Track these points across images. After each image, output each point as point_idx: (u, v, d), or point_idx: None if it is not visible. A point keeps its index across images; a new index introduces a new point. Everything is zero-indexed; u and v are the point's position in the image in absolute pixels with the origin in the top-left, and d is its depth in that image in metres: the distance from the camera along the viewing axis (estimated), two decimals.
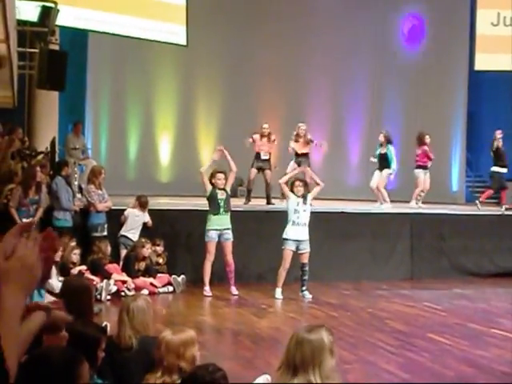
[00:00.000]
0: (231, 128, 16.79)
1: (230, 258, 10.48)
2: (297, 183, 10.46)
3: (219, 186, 10.50)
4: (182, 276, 10.89)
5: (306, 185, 10.54)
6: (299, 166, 13.14)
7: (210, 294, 10.40)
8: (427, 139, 14.49)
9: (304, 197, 10.36)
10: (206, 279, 10.46)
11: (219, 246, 10.49)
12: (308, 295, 10.44)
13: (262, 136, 13.49)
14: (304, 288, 10.48)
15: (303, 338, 3.37)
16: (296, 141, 13.57)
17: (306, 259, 10.43)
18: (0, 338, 1.46)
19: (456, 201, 17.44)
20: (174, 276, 10.83)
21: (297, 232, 10.35)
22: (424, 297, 10.98)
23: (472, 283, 12.43)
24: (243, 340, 7.96)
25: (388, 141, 14.10)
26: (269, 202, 13.46)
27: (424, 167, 14.45)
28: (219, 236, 10.42)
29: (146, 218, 11.23)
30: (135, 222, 11.16)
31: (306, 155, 13.65)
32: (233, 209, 10.91)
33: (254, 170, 13.44)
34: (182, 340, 3.87)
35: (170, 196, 14.66)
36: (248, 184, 13.58)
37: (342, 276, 12.12)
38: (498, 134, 14.73)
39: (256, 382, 3.73)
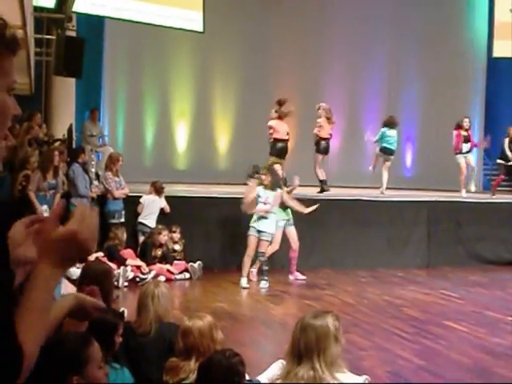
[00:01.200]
0: (248, 115, 16.77)
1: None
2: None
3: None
4: (199, 262, 10.91)
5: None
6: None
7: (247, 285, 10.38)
8: (464, 122, 14.37)
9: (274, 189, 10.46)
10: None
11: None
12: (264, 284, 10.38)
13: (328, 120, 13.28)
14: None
15: (307, 323, 3.35)
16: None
17: (263, 248, 10.38)
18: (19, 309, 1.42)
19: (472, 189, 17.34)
20: (191, 263, 10.87)
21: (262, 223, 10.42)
22: (440, 284, 10.96)
23: (488, 271, 12.38)
24: (259, 326, 7.99)
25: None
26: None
27: (460, 152, 14.35)
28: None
29: (163, 203, 11.25)
30: (152, 207, 11.18)
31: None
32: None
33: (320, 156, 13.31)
34: (211, 324, 3.92)
35: (187, 183, 14.68)
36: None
37: (358, 263, 12.12)
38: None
39: (271, 367, 3.75)
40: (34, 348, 1.42)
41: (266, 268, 10.35)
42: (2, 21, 1.38)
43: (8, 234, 1.66)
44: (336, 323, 3.41)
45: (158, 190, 11.25)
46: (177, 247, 11.08)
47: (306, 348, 3.31)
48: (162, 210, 11.26)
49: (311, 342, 3.31)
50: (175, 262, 10.86)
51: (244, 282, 10.25)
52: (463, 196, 13.99)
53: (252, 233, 10.37)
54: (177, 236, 11.09)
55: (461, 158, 14.32)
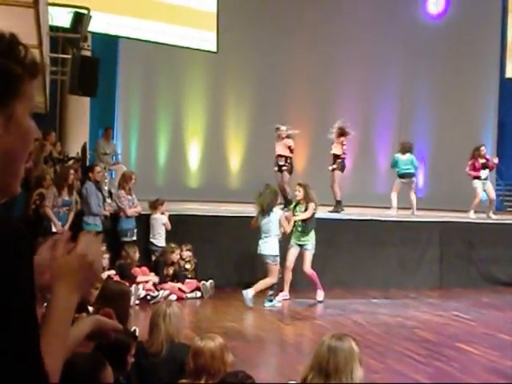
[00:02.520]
0: (260, 134, 16.81)
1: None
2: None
3: None
4: (211, 281, 10.91)
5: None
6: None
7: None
8: (481, 151, 14.39)
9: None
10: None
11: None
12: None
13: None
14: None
15: (336, 345, 3.42)
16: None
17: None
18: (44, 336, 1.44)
19: (486, 210, 17.27)
20: (202, 282, 10.87)
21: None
22: (453, 306, 10.90)
23: (501, 292, 12.31)
24: (271, 347, 7.97)
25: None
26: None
27: (478, 177, 14.35)
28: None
29: (164, 219, 11.25)
30: (156, 226, 11.24)
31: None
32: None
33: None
34: (222, 346, 3.92)
35: (199, 201, 14.71)
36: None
37: (370, 284, 12.07)
38: None
39: None
40: (56, 373, 1.43)
41: (272, 291, 10.36)
42: (23, 46, 1.41)
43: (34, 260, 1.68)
44: (357, 347, 3.50)
45: (153, 207, 11.28)
46: (187, 266, 11.08)
47: (335, 369, 3.37)
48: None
49: (341, 363, 3.39)
50: (187, 280, 10.87)
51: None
52: (471, 217, 13.96)
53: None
54: (187, 254, 11.09)
55: (478, 184, 14.30)
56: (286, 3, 17.63)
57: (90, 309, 5.20)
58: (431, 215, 13.97)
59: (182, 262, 11.01)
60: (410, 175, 14.14)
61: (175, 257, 10.72)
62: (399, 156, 14.16)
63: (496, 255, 12.98)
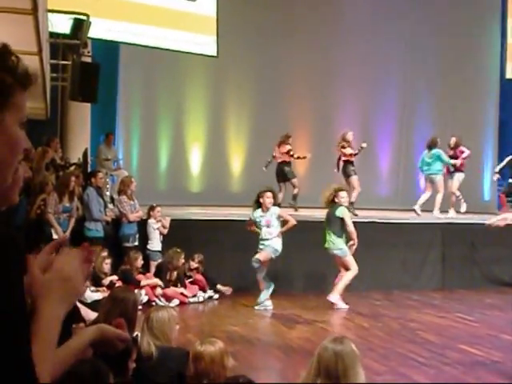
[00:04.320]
0: (261, 138, 16.82)
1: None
2: (268, 194, 10.56)
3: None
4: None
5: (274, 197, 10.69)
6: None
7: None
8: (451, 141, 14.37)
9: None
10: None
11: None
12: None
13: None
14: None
15: (342, 350, 3.44)
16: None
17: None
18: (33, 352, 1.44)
19: (488, 210, 17.26)
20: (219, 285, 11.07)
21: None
22: (456, 307, 10.89)
23: (504, 293, 12.27)
24: (273, 350, 7.96)
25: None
26: None
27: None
28: None
29: (156, 224, 11.28)
30: (148, 231, 11.28)
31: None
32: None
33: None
34: (222, 350, 3.94)
35: (201, 206, 14.72)
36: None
37: (373, 286, 12.07)
38: None
39: None
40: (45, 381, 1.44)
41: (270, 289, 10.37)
42: (15, 57, 1.41)
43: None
44: (357, 350, 3.56)
45: (149, 213, 11.32)
46: (192, 274, 11.12)
47: (344, 373, 3.40)
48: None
49: (349, 366, 3.41)
50: (188, 282, 10.91)
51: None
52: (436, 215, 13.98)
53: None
54: (196, 266, 11.13)
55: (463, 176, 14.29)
56: (286, 7, 17.64)
57: (94, 313, 5.20)
58: (433, 216, 13.95)
59: (187, 271, 11.08)
60: (430, 173, 14.11)
61: (180, 261, 10.73)
62: (426, 154, 14.17)
63: (498, 256, 12.97)
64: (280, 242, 10.41)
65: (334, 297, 10.38)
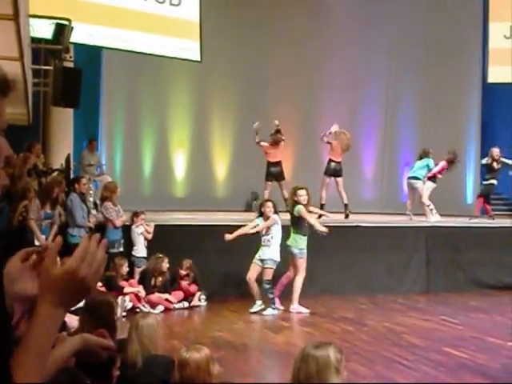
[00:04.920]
0: (245, 142, 16.80)
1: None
2: (268, 204, 10.65)
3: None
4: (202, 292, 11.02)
5: (274, 206, 10.72)
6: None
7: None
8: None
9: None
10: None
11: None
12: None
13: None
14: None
15: (308, 353, 3.34)
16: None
17: (266, 275, 10.43)
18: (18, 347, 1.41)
19: (471, 213, 17.31)
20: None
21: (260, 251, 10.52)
22: (440, 310, 10.91)
23: (488, 296, 12.33)
24: (259, 356, 7.95)
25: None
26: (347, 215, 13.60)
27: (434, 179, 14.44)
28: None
29: (140, 229, 11.23)
30: (133, 237, 11.24)
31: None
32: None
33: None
34: (208, 357, 3.91)
35: (185, 211, 14.69)
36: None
37: (357, 290, 12.09)
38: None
39: None
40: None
41: (271, 296, 10.36)
42: None
43: (4, 270, 1.65)
44: (338, 355, 3.39)
45: (132, 219, 11.28)
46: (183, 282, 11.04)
47: (306, 378, 3.29)
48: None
49: (312, 372, 3.29)
50: (174, 291, 10.84)
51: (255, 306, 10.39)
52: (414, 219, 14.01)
53: (255, 261, 10.48)
54: (183, 272, 11.05)
55: (432, 185, 14.32)
56: (269, 11, 17.66)
57: (75, 324, 5.15)
58: (417, 220, 13.99)
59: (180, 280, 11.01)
60: (411, 178, 14.25)
61: (164, 266, 10.67)
62: (417, 162, 14.37)
63: (482, 259, 13.03)
64: (278, 250, 10.51)
65: (296, 306, 10.51)
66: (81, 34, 13.02)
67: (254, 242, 10.71)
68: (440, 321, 10.03)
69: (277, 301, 10.58)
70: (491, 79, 17.55)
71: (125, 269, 10.49)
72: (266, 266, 10.42)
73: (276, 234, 10.58)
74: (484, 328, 9.51)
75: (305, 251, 10.56)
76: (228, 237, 10.56)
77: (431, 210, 13.90)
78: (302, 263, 10.58)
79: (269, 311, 10.32)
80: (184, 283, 10.95)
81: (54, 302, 1.48)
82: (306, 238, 10.58)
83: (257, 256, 10.52)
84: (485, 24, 17.95)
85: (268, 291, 10.38)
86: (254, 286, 10.42)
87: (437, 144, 17.42)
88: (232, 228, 11.44)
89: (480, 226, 13.83)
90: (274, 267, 10.49)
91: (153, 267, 10.69)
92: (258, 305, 10.39)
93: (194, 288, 10.97)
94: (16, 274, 1.71)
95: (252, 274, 10.46)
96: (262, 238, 10.56)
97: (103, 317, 4.25)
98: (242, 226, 11.06)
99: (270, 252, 10.49)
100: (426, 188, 14.07)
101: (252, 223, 10.73)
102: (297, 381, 3.33)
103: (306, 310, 10.48)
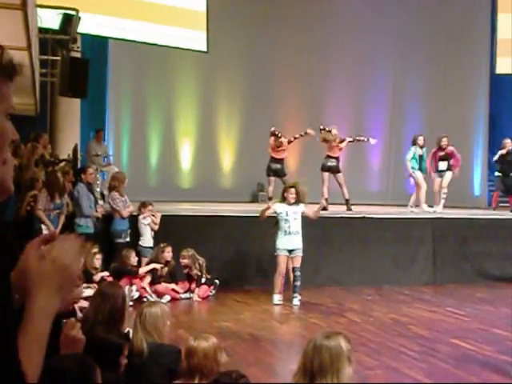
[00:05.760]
0: (251, 133, 16.82)
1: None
2: (291, 190, 10.40)
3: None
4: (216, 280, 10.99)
5: (297, 193, 10.42)
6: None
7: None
8: (442, 142, 14.28)
9: (295, 204, 10.33)
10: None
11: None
12: (296, 301, 10.30)
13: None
14: (294, 294, 10.32)
15: (322, 344, 3.34)
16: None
17: (297, 263, 10.34)
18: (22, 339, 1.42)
19: (478, 205, 17.34)
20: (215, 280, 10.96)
21: (288, 241, 10.32)
22: (447, 302, 10.91)
23: (495, 288, 12.32)
24: (265, 346, 7.96)
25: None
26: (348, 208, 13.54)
27: (436, 170, 14.32)
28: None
29: (146, 220, 11.23)
30: (140, 227, 11.24)
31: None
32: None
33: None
34: (215, 346, 3.92)
35: (191, 201, 14.71)
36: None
37: (364, 281, 12.08)
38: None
39: None
40: (33, 376, 1.42)
41: (299, 284, 10.35)
42: None
43: (20, 258, 1.66)
44: (347, 345, 3.40)
45: (140, 209, 11.27)
46: (195, 271, 10.98)
47: (320, 368, 3.29)
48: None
49: (326, 362, 3.29)
50: (180, 281, 10.86)
51: (276, 298, 10.28)
52: (425, 209, 13.93)
53: (281, 253, 10.34)
54: (184, 262, 10.98)
55: (437, 177, 14.25)
56: (277, 2, 17.63)
57: (79, 313, 5.18)
58: (424, 212, 13.97)
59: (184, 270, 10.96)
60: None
61: (168, 255, 10.67)
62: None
63: (489, 251, 13.01)
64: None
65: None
66: (88, 25, 13.01)
67: (259, 232, 10.74)
68: (446, 312, 10.02)
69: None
70: (499, 70, 17.49)
71: (133, 259, 10.50)
72: (298, 254, 10.32)
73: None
74: (491, 320, 9.50)
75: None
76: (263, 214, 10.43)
77: (443, 199, 13.94)
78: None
79: (296, 301, 10.30)
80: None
81: (47, 291, 1.49)
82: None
83: (281, 246, 10.30)
84: (493, 14, 17.88)
85: (299, 279, 10.35)
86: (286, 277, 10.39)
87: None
88: (238, 218, 11.46)
89: (487, 218, 13.81)
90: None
91: (156, 256, 10.70)
92: (280, 298, 10.37)
93: (205, 289, 10.89)
94: (32, 262, 1.72)
95: (284, 267, 10.35)
96: (289, 226, 10.29)
97: (116, 308, 4.28)
98: (247, 217, 11.07)
99: (300, 240, 10.38)
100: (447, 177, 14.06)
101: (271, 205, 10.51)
102: (309, 371, 3.33)
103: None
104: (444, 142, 14.17)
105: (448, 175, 14.13)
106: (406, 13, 18.43)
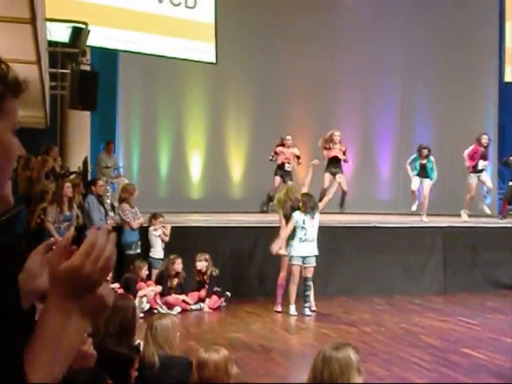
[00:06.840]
0: (261, 144, 16.82)
1: None
2: (307, 199, 10.41)
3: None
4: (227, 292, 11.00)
5: (314, 202, 10.47)
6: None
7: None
8: (483, 139, 14.07)
9: (312, 212, 10.33)
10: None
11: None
12: (308, 312, 10.32)
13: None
14: (305, 304, 10.35)
15: (331, 355, 3.35)
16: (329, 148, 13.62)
17: (310, 273, 10.36)
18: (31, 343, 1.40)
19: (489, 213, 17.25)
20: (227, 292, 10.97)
21: (305, 248, 10.32)
22: (457, 311, 10.87)
23: (506, 296, 12.25)
24: (276, 357, 7.95)
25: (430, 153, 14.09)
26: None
27: (474, 169, 14.13)
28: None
29: (157, 232, 11.24)
30: (151, 239, 11.26)
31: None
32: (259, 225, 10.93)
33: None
34: (226, 358, 3.93)
35: (202, 212, 14.73)
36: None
37: (374, 291, 12.06)
38: None
39: None
40: (40, 378, 1.41)
41: (310, 294, 10.38)
42: (4, 64, 1.43)
43: (24, 266, 1.68)
44: (356, 356, 3.41)
45: (151, 221, 11.29)
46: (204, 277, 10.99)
47: (330, 379, 3.30)
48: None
49: (335, 373, 3.30)
50: (190, 292, 10.87)
51: (293, 309, 10.29)
52: (464, 220, 13.86)
53: (296, 262, 10.34)
54: (203, 265, 10.93)
55: (473, 178, 14.15)
56: (285, 12, 17.67)
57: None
58: (434, 220, 13.94)
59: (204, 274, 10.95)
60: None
61: (177, 267, 10.69)
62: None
63: (500, 259, 12.96)
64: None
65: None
66: (97, 37, 13.08)
67: (270, 243, 10.73)
68: (457, 321, 9.99)
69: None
70: (508, 78, 17.47)
71: (144, 272, 10.55)
72: (312, 265, 10.35)
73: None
74: (502, 329, 9.46)
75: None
76: (275, 249, 10.43)
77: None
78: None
79: (307, 311, 10.32)
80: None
81: (61, 296, 1.47)
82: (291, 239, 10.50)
83: (295, 254, 10.31)
84: (501, 23, 17.87)
85: (311, 289, 10.35)
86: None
87: (453, 143, 17.41)
88: (249, 229, 11.45)
89: (497, 226, 13.77)
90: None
91: (166, 268, 10.72)
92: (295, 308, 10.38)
93: (215, 299, 10.90)
94: (36, 269, 1.74)
95: (299, 276, 10.36)
96: (306, 234, 10.29)
97: (127, 320, 4.30)
98: (257, 227, 11.07)
99: (315, 247, 10.41)
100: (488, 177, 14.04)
101: (287, 224, 10.44)
102: (319, 382, 3.34)
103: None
104: (485, 138, 14.01)
105: (487, 175, 14.06)
106: (415, 22, 18.43)
